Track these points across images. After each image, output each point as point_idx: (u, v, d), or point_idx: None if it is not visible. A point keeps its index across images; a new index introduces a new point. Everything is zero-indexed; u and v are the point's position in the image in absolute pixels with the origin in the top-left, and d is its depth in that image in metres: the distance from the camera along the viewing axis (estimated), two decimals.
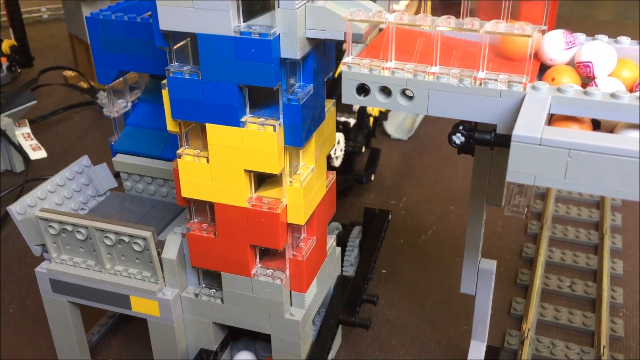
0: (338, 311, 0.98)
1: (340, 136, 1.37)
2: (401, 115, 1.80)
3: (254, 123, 0.75)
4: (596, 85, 0.63)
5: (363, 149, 1.48)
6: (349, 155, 1.41)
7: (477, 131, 0.67)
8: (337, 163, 1.36)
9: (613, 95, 0.59)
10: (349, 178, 1.44)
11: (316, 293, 0.92)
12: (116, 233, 0.86)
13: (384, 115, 1.66)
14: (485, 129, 0.66)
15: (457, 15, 0.68)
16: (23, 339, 1.10)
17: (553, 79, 0.66)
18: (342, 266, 1.05)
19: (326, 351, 0.93)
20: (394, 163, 1.62)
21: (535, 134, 0.56)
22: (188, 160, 0.80)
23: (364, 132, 1.48)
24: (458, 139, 0.67)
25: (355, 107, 1.49)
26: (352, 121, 1.45)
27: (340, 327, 1.01)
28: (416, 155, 1.66)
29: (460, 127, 0.67)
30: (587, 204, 1.41)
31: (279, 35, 0.71)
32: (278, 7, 0.69)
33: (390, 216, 1.17)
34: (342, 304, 0.99)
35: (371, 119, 1.54)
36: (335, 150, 1.35)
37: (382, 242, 1.13)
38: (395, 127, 1.75)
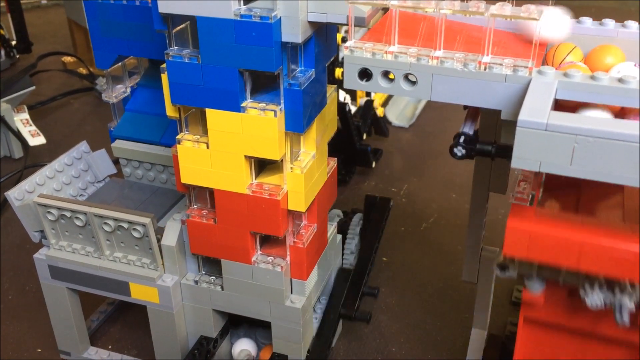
0: (339, 305, 0.97)
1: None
2: (402, 102, 1.79)
3: (255, 108, 0.74)
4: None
5: (364, 136, 1.48)
6: (357, 128, 1.42)
7: (478, 142, 0.66)
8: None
9: (620, 80, 0.58)
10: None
11: (317, 281, 0.92)
12: (115, 219, 0.85)
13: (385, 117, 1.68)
14: (487, 139, 0.66)
15: None
16: (22, 325, 1.09)
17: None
18: (342, 254, 1.04)
19: (328, 346, 0.93)
20: (395, 150, 1.61)
21: (541, 119, 0.55)
22: (188, 146, 0.79)
23: (368, 122, 1.48)
24: (459, 151, 0.66)
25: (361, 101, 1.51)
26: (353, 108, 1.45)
27: None
28: (417, 142, 1.65)
29: (461, 140, 0.66)
30: None
31: (280, 18, 0.69)
32: None
33: (391, 204, 1.17)
34: (342, 297, 0.98)
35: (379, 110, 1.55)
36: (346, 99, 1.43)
37: (383, 230, 1.12)
38: (397, 115, 1.74)
